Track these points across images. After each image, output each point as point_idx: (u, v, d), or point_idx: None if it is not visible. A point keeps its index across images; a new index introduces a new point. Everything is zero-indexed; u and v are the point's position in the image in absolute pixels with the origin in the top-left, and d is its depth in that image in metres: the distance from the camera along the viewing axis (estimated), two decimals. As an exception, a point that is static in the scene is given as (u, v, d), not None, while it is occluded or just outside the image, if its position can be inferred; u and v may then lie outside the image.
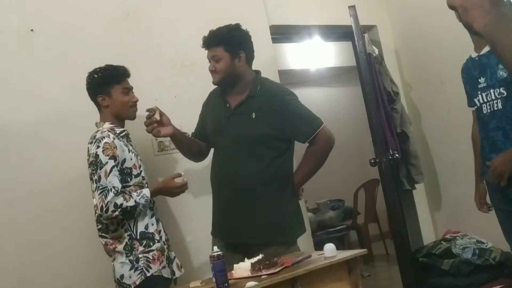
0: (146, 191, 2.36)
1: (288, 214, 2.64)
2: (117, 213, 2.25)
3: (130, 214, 2.31)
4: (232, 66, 2.58)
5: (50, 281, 2.60)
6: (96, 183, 2.26)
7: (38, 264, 2.60)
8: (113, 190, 2.25)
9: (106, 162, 2.27)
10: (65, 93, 2.78)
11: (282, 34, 3.88)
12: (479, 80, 2.55)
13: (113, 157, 2.29)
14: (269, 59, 3.60)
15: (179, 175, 2.45)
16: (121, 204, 2.25)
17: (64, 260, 2.65)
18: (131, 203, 2.28)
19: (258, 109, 2.57)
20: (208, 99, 2.82)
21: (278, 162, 2.61)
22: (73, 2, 2.94)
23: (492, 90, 2.49)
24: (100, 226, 2.36)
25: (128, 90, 2.48)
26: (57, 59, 2.80)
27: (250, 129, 2.57)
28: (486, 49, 2.48)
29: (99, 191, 2.25)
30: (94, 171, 2.28)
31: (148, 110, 2.53)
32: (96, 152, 2.29)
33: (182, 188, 2.46)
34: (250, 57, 2.65)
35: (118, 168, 2.31)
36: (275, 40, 3.72)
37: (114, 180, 2.27)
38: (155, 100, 2.92)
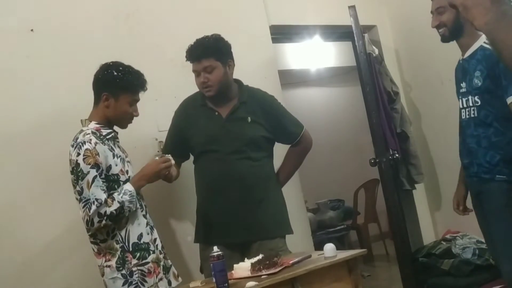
0: (127, 186, 2.23)
1: (284, 209, 2.77)
2: (104, 222, 2.15)
3: (120, 216, 2.20)
4: (225, 75, 2.62)
5: (50, 281, 2.60)
6: (79, 195, 2.16)
7: (38, 264, 2.59)
8: (95, 203, 2.13)
9: (88, 172, 2.14)
10: (65, 93, 2.78)
11: (282, 34, 3.88)
12: (461, 84, 2.56)
13: (95, 165, 2.16)
14: (269, 59, 3.60)
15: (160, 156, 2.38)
16: (105, 212, 2.14)
17: (64, 260, 2.64)
18: (114, 206, 2.16)
19: (252, 113, 2.67)
20: (184, 109, 2.79)
21: (269, 162, 2.76)
22: (73, 2, 2.94)
23: (470, 97, 2.48)
24: (91, 233, 2.25)
25: (136, 102, 2.36)
26: (57, 59, 2.80)
27: (248, 132, 2.65)
28: (468, 53, 2.49)
29: (82, 204, 2.15)
30: (76, 182, 2.17)
31: (161, 157, 2.42)
32: (77, 160, 2.16)
33: (166, 164, 2.32)
34: (234, 65, 2.69)
35: (103, 176, 2.19)
36: (275, 40, 3.72)
37: (96, 192, 2.14)
38: (155, 100, 2.92)
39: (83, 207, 2.15)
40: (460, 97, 2.57)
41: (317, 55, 6.15)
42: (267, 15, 3.60)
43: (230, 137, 2.64)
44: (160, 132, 3.03)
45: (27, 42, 2.75)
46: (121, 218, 2.22)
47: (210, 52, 2.57)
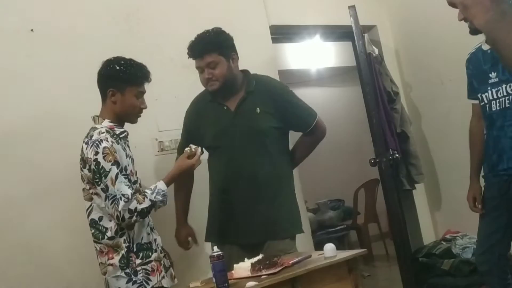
0: (161, 185, 2.26)
1: (295, 207, 2.72)
2: (134, 218, 2.16)
3: (149, 214, 2.25)
4: (229, 69, 2.56)
5: (50, 281, 2.60)
6: (104, 192, 2.16)
7: (38, 263, 2.59)
8: (123, 198, 2.13)
9: (110, 169, 2.14)
10: (65, 93, 2.78)
11: (282, 34, 3.88)
12: (490, 75, 2.44)
13: (116, 163, 2.16)
14: (269, 59, 3.61)
15: (191, 151, 2.35)
16: (136, 208, 2.15)
17: (64, 260, 2.65)
18: (145, 204, 2.18)
19: (261, 103, 2.60)
20: (195, 108, 2.76)
21: (283, 156, 2.68)
22: (73, 2, 2.94)
23: (504, 86, 2.37)
24: (93, 231, 2.25)
25: (142, 94, 2.34)
26: (57, 59, 2.80)
27: (258, 124, 2.58)
28: None
29: (110, 201, 2.15)
30: (98, 180, 2.15)
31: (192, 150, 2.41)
32: (96, 158, 2.15)
33: (198, 163, 2.37)
34: (238, 58, 2.65)
35: (124, 173, 2.20)
36: (275, 40, 3.73)
37: (122, 187, 2.15)
38: (155, 100, 2.92)
39: (111, 204, 2.15)
40: (488, 88, 2.45)
41: (317, 55, 6.15)
42: (267, 15, 3.61)
43: (239, 131, 2.58)
44: (160, 132, 3.03)
45: (27, 42, 2.75)
46: (150, 214, 2.25)
47: (212, 47, 2.52)
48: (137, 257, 2.24)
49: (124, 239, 2.23)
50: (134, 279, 2.21)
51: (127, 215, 2.14)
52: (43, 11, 2.83)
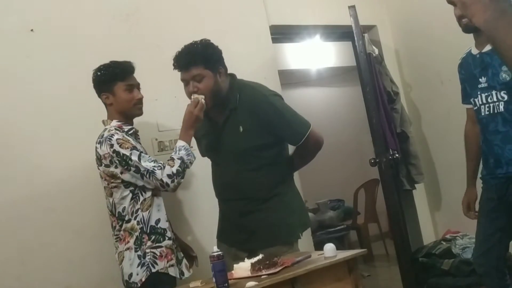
0: (180, 143, 2.36)
1: (291, 215, 2.62)
2: (176, 179, 2.29)
3: (185, 172, 2.34)
4: (216, 84, 2.44)
5: (50, 281, 2.60)
6: (138, 172, 2.27)
7: (38, 264, 2.59)
8: (156, 169, 2.27)
9: (131, 153, 2.26)
10: (65, 93, 2.78)
11: (282, 34, 3.88)
12: (480, 80, 2.45)
13: (134, 147, 2.28)
14: (269, 59, 3.60)
15: (194, 100, 2.38)
16: (172, 172, 2.28)
17: (64, 260, 2.64)
18: (177, 164, 2.30)
19: (243, 121, 2.49)
20: None
21: (274, 166, 2.58)
22: (73, 2, 2.94)
23: (494, 92, 2.39)
24: (121, 222, 2.35)
25: (132, 86, 2.41)
26: (57, 59, 2.80)
27: (240, 144, 2.50)
28: (489, 47, 2.36)
29: (147, 176, 2.27)
30: (126, 165, 2.27)
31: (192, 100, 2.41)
32: (114, 149, 2.27)
33: (199, 107, 2.36)
34: (226, 71, 2.54)
35: (145, 153, 2.32)
36: (275, 40, 3.73)
37: (149, 164, 2.27)
38: (155, 100, 2.92)
39: (149, 178, 2.28)
40: (478, 92, 2.46)
41: (317, 55, 6.16)
42: (267, 15, 3.61)
43: (224, 149, 2.56)
44: (160, 132, 3.03)
45: (27, 42, 2.75)
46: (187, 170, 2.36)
47: (198, 60, 2.41)
48: (149, 239, 2.33)
49: (138, 221, 2.34)
50: (142, 262, 2.30)
51: (169, 180, 2.27)
52: (43, 11, 2.83)
